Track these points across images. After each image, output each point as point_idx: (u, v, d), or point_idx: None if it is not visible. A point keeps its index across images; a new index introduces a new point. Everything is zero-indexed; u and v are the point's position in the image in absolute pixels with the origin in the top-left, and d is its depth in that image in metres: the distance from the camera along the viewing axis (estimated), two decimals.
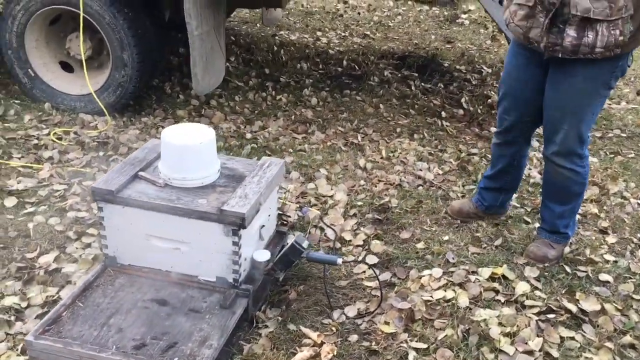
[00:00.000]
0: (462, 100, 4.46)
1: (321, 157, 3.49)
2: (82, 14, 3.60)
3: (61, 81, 3.99)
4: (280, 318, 2.25)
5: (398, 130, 3.96)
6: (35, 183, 3.06)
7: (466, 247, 2.66)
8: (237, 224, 2.09)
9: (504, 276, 2.44)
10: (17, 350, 2.06)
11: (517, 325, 2.16)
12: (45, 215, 2.77)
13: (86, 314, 2.08)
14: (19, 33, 3.81)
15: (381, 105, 4.32)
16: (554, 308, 2.27)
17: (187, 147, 2.20)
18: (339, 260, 2.26)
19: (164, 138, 2.23)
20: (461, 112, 4.32)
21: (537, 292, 2.37)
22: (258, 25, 6.07)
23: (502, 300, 2.32)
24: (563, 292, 2.39)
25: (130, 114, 3.99)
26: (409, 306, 2.25)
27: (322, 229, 2.78)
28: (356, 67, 5.02)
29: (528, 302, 2.30)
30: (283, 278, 2.42)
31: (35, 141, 3.52)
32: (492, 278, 2.45)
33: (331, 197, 3.06)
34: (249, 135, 3.76)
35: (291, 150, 3.57)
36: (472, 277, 2.44)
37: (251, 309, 2.24)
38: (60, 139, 3.56)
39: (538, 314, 2.23)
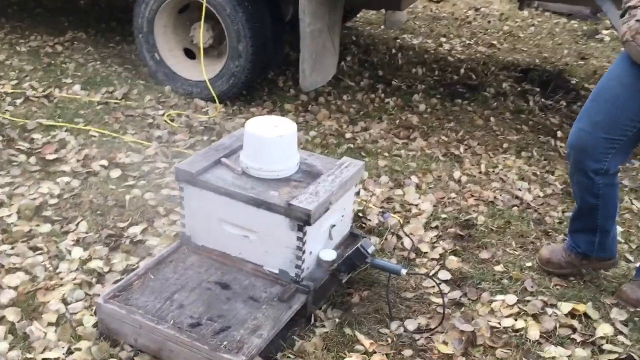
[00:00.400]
0: None
1: (415, 164, 3.41)
2: (204, 4, 3.79)
3: (182, 67, 4.22)
4: (338, 320, 2.23)
5: (505, 145, 3.77)
6: (140, 159, 3.27)
7: (549, 278, 2.47)
8: (302, 220, 2.10)
9: (585, 314, 2.24)
10: (91, 310, 2.21)
11: None
12: (142, 190, 2.96)
13: (154, 286, 2.19)
14: (150, 19, 4.08)
15: (492, 118, 4.14)
16: (636, 357, 2.04)
17: (266, 138, 2.24)
18: (403, 271, 2.19)
19: (246, 128, 2.29)
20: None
21: (621, 337, 2.15)
22: (382, 27, 6.04)
23: (578, 340, 2.13)
24: None
25: (241, 103, 4.14)
26: (472, 329, 2.13)
27: (399, 237, 2.71)
28: (473, 76, 4.85)
29: (607, 347, 2.09)
30: (349, 281, 2.41)
31: (150, 120, 3.77)
32: (572, 315, 2.25)
33: (416, 206, 2.98)
34: (348, 135, 3.76)
35: (386, 154, 3.52)
36: (549, 310, 2.27)
37: (310, 306, 2.23)
38: (172, 120, 3.78)
39: None
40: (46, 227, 2.66)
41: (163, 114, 3.83)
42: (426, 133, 3.90)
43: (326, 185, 2.23)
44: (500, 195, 3.14)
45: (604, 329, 2.17)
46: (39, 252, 2.51)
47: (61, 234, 2.63)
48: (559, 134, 3.97)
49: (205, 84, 4.03)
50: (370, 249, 2.21)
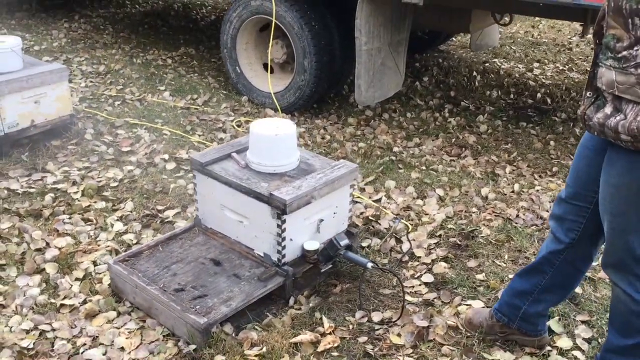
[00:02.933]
0: None
1: (447, 178, 3.50)
2: (274, 21, 4.19)
3: (259, 79, 4.65)
4: (311, 305, 2.44)
5: (554, 169, 3.72)
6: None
7: None
8: (280, 209, 2.35)
9: (550, 328, 2.24)
10: None
11: None
12: (187, 180, 3.37)
13: (159, 257, 2.56)
14: (233, 36, 4.57)
15: (552, 142, 4.08)
16: None
17: (264, 136, 2.53)
18: (369, 265, 2.35)
19: (251, 127, 2.59)
20: None
21: (576, 352, 2.14)
22: (474, 51, 6.08)
23: (528, 350, 2.15)
24: None
25: (309, 115, 4.47)
26: (426, 325, 2.24)
27: (400, 241, 2.85)
28: (549, 100, 4.77)
29: (555, 357, 2.10)
30: (337, 273, 2.61)
31: (220, 125, 4.21)
32: None
33: (430, 215, 3.09)
34: (396, 149, 3.93)
35: (423, 168, 3.65)
36: None
37: (289, 289, 2.47)
38: (239, 125, 4.20)
39: None
40: (101, 204, 3.15)
41: (232, 120, 4.26)
42: (478, 152, 3.95)
43: (311, 182, 2.46)
44: (524, 214, 3.15)
45: (563, 343, 2.17)
46: (89, 223, 3.00)
47: (111, 210, 3.11)
48: None
49: (277, 95, 4.42)
50: (343, 242, 2.40)
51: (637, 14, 1.53)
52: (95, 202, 3.17)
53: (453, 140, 4.13)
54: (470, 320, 2.26)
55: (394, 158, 3.78)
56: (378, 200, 3.25)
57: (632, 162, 1.66)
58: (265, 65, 4.69)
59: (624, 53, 1.58)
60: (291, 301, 2.47)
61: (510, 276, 2.58)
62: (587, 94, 1.76)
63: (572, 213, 1.94)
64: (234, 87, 4.77)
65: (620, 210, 1.73)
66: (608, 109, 1.65)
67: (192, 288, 2.37)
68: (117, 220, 3.02)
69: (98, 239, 2.88)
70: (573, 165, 1.94)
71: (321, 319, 2.35)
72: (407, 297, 2.47)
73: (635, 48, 1.55)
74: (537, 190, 3.41)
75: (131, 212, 3.09)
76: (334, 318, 2.37)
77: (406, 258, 2.75)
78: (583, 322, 2.31)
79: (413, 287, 2.53)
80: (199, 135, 4.01)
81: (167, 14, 7.30)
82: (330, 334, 2.25)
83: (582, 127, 1.80)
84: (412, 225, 3.00)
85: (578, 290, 2.48)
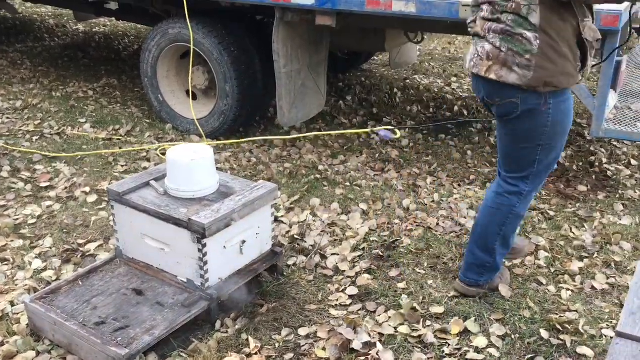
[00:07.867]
0: (562, 154, 4.18)
1: (370, 193, 3.58)
2: (192, 48, 4.21)
3: (182, 107, 4.64)
4: (238, 326, 2.44)
5: (472, 177, 3.87)
6: None
7: (447, 293, 2.58)
8: (200, 233, 2.35)
9: (467, 329, 2.33)
10: None
11: None
12: (109, 212, 3.31)
13: (79, 291, 2.51)
14: (153, 64, 4.55)
15: (469, 152, 4.25)
16: None
17: (180, 162, 2.54)
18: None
19: (167, 153, 2.59)
20: (554, 166, 4.05)
21: (492, 350, 2.23)
22: (395, 69, 6.27)
23: (447, 351, 2.23)
24: (525, 357, 2.21)
25: (235, 138, 4.48)
26: (351, 337, 2.29)
27: (325, 257, 2.90)
28: (466, 112, 4.97)
29: (471, 355, 2.18)
30: (263, 293, 2.62)
31: (144, 154, 4.17)
32: (455, 327, 2.36)
33: (354, 230, 3.15)
34: (321, 167, 3.99)
35: (348, 184, 3.72)
36: (429, 322, 2.38)
37: (215, 313, 2.47)
38: (163, 154, 4.16)
39: None
40: (19, 243, 3.05)
41: (157, 149, 4.23)
42: (401, 166, 4.06)
43: (230, 204, 2.48)
44: (444, 222, 3.26)
45: (478, 342, 2.26)
46: (6, 262, 2.90)
47: (29, 248, 3.02)
48: None
49: (201, 121, 4.43)
50: None
51: None
52: (12, 240, 3.07)
53: (377, 155, 4.23)
54: None
55: (319, 176, 3.84)
56: (304, 220, 3.29)
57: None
58: (188, 92, 4.69)
59: None
60: (217, 324, 2.46)
61: (430, 282, 2.67)
62: None
63: None
64: (158, 115, 4.74)
65: None
66: None
67: (114, 320, 2.33)
68: (36, 257, 2.94)
69: (15, 278, 2.79)
70: None
71: (247, 339, 2.35)
72: (332, 312, 2.51)
73: None
74: (456, 199, 3.55)
75: (50, 248, 3.01)
76: (261, 338, 2.38)
77: (330, 273, 2.79)
78: (497, 320, 2.41)
79: (337, 300, 2.57)
80: (122, 166, 3.96)
81: (88, 45, 7.19)
82: (256, 354, 2.26)
83: None
84: (337, 240, 3.06)
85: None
